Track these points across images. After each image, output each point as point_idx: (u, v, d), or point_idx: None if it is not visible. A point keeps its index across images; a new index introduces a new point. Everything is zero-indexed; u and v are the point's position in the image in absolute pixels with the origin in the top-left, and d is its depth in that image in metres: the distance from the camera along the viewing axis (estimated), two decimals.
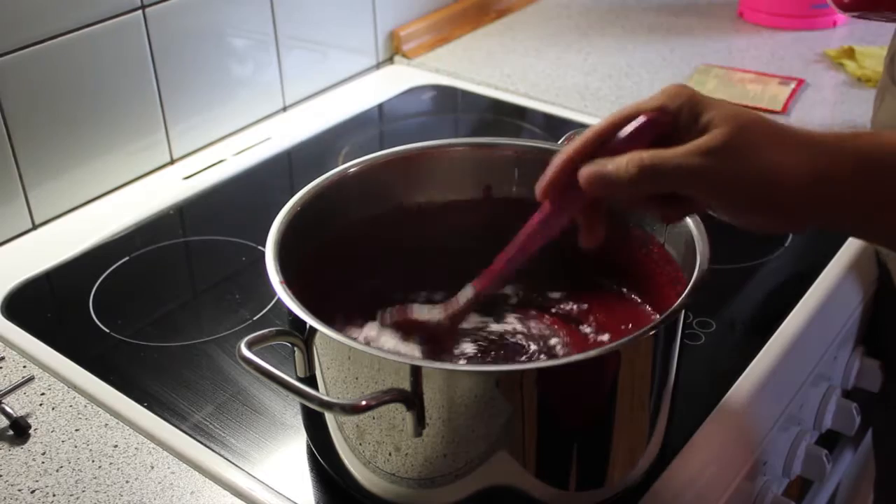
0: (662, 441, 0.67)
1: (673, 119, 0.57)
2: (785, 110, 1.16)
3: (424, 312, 0.67)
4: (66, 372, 0.78)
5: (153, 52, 1.04)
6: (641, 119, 0.57)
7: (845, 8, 0.96)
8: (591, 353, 0.58)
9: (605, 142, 0.58)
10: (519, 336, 0.71)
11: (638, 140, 0.57)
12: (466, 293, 0.65)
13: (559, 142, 0.79)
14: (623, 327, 0.71)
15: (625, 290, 0.74)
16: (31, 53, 0.93)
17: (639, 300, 0.73)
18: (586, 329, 0.72)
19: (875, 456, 1.05)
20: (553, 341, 0.71)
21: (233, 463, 0.69)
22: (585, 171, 0.57)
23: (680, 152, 0.55)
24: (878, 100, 0.95)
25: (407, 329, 0.66)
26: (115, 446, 0.71)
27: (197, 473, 0.69)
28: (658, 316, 0.70)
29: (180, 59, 1.07)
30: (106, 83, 1.00)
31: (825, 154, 0.55)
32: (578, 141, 0.59)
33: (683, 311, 0.60)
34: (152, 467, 0.69)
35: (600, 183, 0.56)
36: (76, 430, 0.73)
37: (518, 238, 0.63)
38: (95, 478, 0.69)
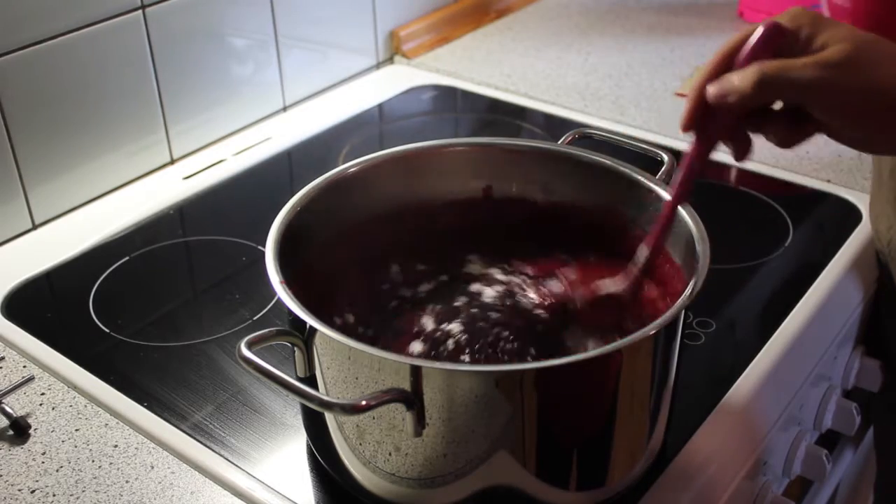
0: (662, 441, 0.67)
1: (793, 35, 0.59)
2: None
3: (610, 285, 0.68)
4: (66, 372, 0.78)
5: (153, 52, 1.04)
6: (760, 31, 0.59)
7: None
8: (591, 353, 0.58)
9: (734, 57, 0.60)
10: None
11: (760, 53, 0.59)
12: (642, 253, 0.66)
13: (559, 142, 0.79)
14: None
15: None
16: (31, 53, 0.93)
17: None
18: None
19: (876, 456, 1.05)
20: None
21: (233, 463, 0.69)
22: (711, 87, 0.60)
23: (801, 63, 0.57)
24: None
25: (596, 303, 0.68)
26: (115, 446, 0.71)
27: (197, 473, 0.69)
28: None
29: (180, 59, 1.07)
30: (106, 83, 1.00)
31: None
32: (706, 66, 0.62)
33: (683, 311, 0.60)
34: (152, 467, 0.69)
35: (725, 94, 0.59)
36: (76, 430, 0.73)
37: (677, 179, 0.65)
38: (95, 478, 0.69)
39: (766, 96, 0.59)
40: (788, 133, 0.62)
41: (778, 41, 0.59)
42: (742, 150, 0.63)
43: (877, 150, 0.61)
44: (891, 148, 0.63)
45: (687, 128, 0.63)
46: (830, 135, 0.61)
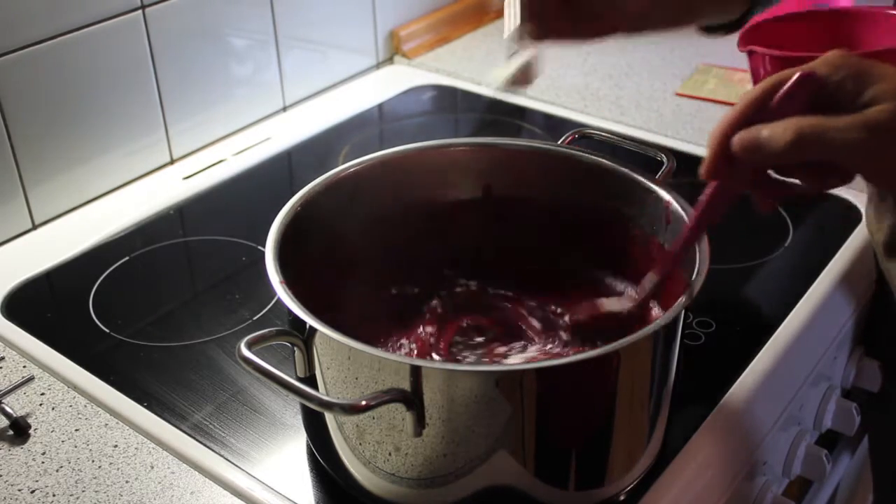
0: (662, 441, 0.67)
1: (835, 86, 0.54)
2: None
3: (614, 304, 0.67)
4: (66, 372, 0.78)
5: (153, 52, 1.04)
6: (798, 75, 0.54)
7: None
8: (591, 353, 0.58)
9: (761, 108, 0.55)
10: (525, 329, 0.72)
11: (794, 102, 0.54)
12: (650, 279, 0.65)
13: (559, 142, 0.79)
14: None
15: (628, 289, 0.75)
16: (31, 53, 0.93)
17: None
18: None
19: (871, 457, 1.05)
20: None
21: (233, 463, 0.69)
22: (739, 138, 0.55)
23: (843, 123, 0.52)
24: None
25: (598, 321, 0.67)
26: (115, 446, 0.71)
27: (197, 473, 0.69)
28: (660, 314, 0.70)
29: (180, 59, 1.07)
30: (106, 83, 1.00)
31: None
32: (734, 110, 0.56)
33: (683, 311, 0.60)
34: (152, 467, 0.69)
35: (754, 150, 0.54)
36: (76, 430, 0.73)
37: (691, 220, 0.62)
38: (95, 478, 0.69)
39: (802, 155, 0.53)
40: (821, 181, 0.58)
41: (813, 91, 0.54)
42: (767, 202, 0.59)
43: None
44: None
45: (710, 175, 0.58)
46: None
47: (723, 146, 0.56)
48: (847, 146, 0.52)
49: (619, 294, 0.74)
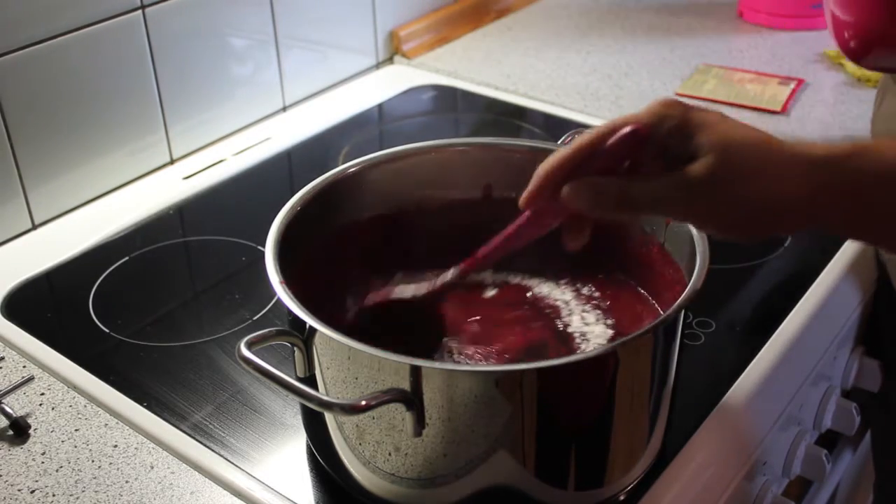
0: (662, 441, 0.67)
1: (663, 137, 0.56)
2: (784, 110, 1.16)
3: (406, 291, 0.67)
4: (65, 372, 0.78)
5: (153, 52, 1.04)
6: (624, 131, 0.56)
7: (854, 56, 0.92)
8: (591, 353, 0.58)
9: (591, 154, 0.57)
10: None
11: (622, 153, 0.56)
12: (447, 275, 0.66)
13: (559, 142, 0.79)
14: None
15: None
16: (31, 53, 0.93)
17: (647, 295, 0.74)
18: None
19: (874, 457, 1.05)
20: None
21: (233, 463, 0.69)
22: (568, 190, 0.56)
23: (662, 184, 0.55)
24: (878, 99, 0.95)
25: (389, 307, 0.67)
26: (115, 446, 0.71)
27: (197, 473, 0.69)
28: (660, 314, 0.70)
29: (180, 59, 1.07)
30: (106, 83, 1.00)
31: (820, 169, 0.54)
32: (563, 152, 0.58)
33: (683, 311, 0.60)
34: (152, 467, 0.69)
35: (583, 204, 0.56)
36: (76, 430, 0.73)
37: (499, 237, 0.63)
38: (95, 478, 0.69)
39: (626, 215, 0.57)
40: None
41: (641, 143, 0.56)
42: (576, 241, 0.61)
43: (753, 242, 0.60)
44: (766, 239, 0.60)
45: (527, 207, 0.60)
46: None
47: (548, 182, 0.58)
48: (668, 205, 0.55)
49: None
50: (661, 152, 0.56)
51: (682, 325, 0.63)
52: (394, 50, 1.35)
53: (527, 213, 0.61)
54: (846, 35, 0.91)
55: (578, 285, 0.76)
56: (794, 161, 0.54)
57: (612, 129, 0.57)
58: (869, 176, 0.54)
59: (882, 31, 0.88)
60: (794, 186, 0.54)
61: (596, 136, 0.57)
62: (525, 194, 0.59)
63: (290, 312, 0.60)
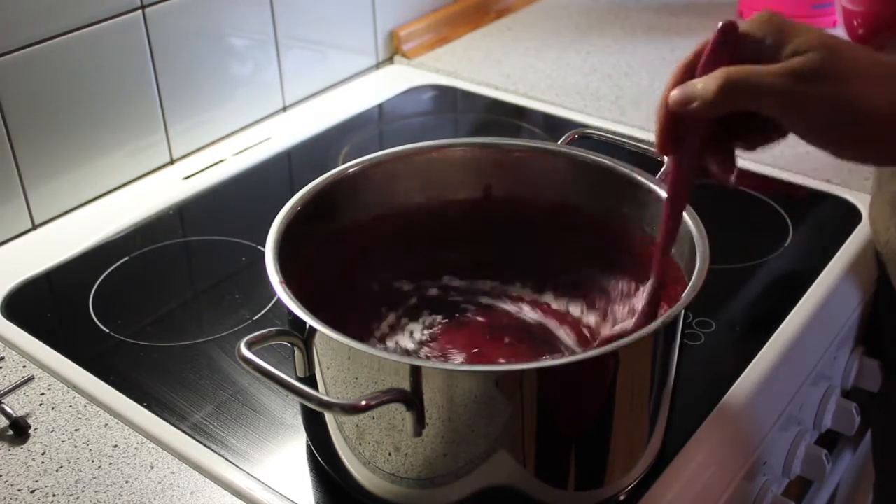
0: (662, 441, 0.67)
1: (758, 40, 0.56)
2: None
3: (619, 329, 0.67)
4: (65, 372, 0.78)
5: (153, 52, 1.04)
6: (718, 27, 0.56)
7: (861, 41, 0.94)
8: (591, 353, 0.58)
9: (693, 69, 0.58)
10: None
11: (719, 56, 0.56)
12: (650, 286, 0.65)
13: (559, 142, 0.79)
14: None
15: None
16: (31, 53, 0.93)
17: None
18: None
19: (873, 457, 1.05)
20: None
21: (233, 463, 0.69)
22: (673, 95, 0.57)
23: (768, 70, 0.54)
24: None
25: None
26: (115, 446, 0.71)
27: (197, 473, 0.69)
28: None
29: (180, 59, 1.07)
30: (106, 83, 1.00)
31: None
32: (670, 77, 0.58)
33: (683, 311, 0.60)
34: (152, 467, 0.69)
35: (688, 100, 0.56)
36: (76, 430, 0.73)
37: (666, 208, 0.63)
38: (95, 478, 0.69)
39: (731, 103, 0.56)
40: (750, 139, 0.60)
41: (735, 42, 0.57)
42: (726, 166, 0.60)
43: (846, 158, 0.59)
44: (860, 159, 0.60)
45: (662, 148, 0.60)
46: (799, 136, 0.58)
47: (666, 113, 0.58)
48: (773, 92, 0.54)
49: (614, 296, 0.74)
50: (755, 59, 0.56)
51: (682, 325, 0.63)
52: (394, 50, 1.35)
53: (669, 166, 0.61)
54: (855, 23, 0.92)
55: (578, 283, 0.76)
56: (887, 69, 0.55)
57: (706, 44, 0.57)
58: None
59: (891, 19, 0.89)
60: (883, 94, 0.54)
61: (695, 51, 0.58)
62: (656, 139, 0.60)
63: (290, 312, 0.60)
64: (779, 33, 0.56)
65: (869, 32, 0.90)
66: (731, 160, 0.61)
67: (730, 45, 0.57)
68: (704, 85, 0.56)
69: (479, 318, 0.75)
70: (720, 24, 0.57)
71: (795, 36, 0.55)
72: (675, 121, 0.58)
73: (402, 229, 0.76)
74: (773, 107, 0.55)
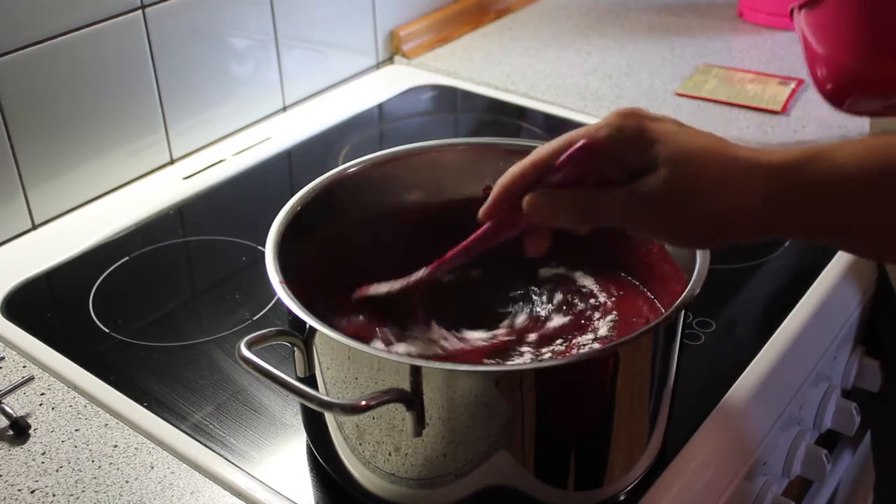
0: (662, 441, 0.67)
1: (618, 149, 0.56)
2: (784, 110, 1.16)
3: (381, 288, 0.68)
4: (66, 372, 0.78)
5: (153, 52, 1.04)
6: (576, 146, 0.57)
7: (831, 99, 0.85)
8: (591, 352, 0.58)
9: (546, 169, 0.58)
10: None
11: (575, 168, 0.57)
12: (418, 274, 0.67)
13: None
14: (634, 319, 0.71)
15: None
16: (31, 53, 0.93)
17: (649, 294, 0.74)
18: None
19: (873, 457, 1.05)
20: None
21: (233, 463, 0.69)
22: (527, 202, 0.58)
23: (616, 197, 0.55)
24: None
25: (366, 302, 0.68)
26: (115, 446, 0.71)
27: (197, 473, 0.69)
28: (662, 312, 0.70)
29: (180, 59, 1.07)
30: (106, 83, 1.00)
31: (773, 178, 0.54)
32: (520, 166, 0.59)
33: (683, 311, 0.60)
34: (152, 467, 0.69)
35: (542, 216, 0.58)
36: (76, 430, 0.73)
37: (460, 246, 0.64)
38: (95, 478, 0.69)
39: (584, 227, 0.58)
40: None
41: (596, 155, 0.56)
42: (537, 248, 0.62)
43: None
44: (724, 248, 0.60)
45: (486, 219, 0.61)
46: None
47: (506, 195, 0.59)
48: (623, 219, 0.56)
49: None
50: (618, 164, 0.56)
51: (682, 325, 0.63)
52: (394, 50, 1.35)
53: (487, 224, 0.62)
54: (820, 73, 0.84)
55: (581, 284, 0.76)
56: (748, 171, 0.54)
57: (569, 143, 0.57)
58: (819, 184, 0.53)
59: (861, 74, 0.81)
60: (748, 197, 0.54)
61: (551, 150, 0.58)
62: (484, 207, 0.61)
63: (290, 312, 0.60)
64: (636, 141, 0.55)
65: (838, 89, 0.83)
66: (546, 243, 0.62)
67: (588, 157, 0.57)
68: (558, 204, 0.57)
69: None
70: (577, 144, 0.57)
71: (650, 146, 0.55)
72: (510, 202, 0.59)
73: (402, 229, 0.76)
74: (629, 229, 0.58)
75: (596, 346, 0.68)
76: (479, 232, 0.63)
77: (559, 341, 0.69)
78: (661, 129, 0.56)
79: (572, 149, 0.57)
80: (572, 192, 0.57)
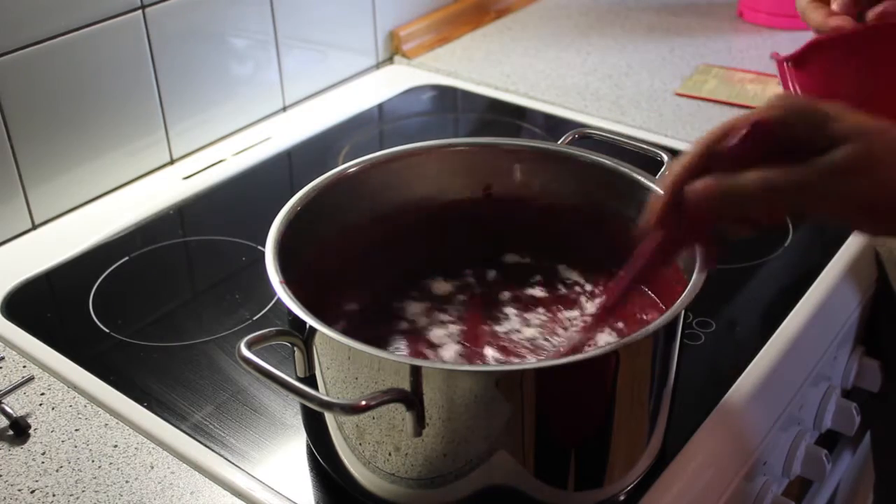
0: (662, 441, 0.67)
1: (788, 132, 0.52)
2: None
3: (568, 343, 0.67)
4: (66, 372, 0.78)
5: (153, 52, 1.04)
6: (752, 121, 0.52)
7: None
8: (591, 353, 0.58)
9: (714, 155, 0.54)
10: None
11: (746, 149, 0.52)
12: (594, 311, 0.65)
13: (559, 142, 0.79)
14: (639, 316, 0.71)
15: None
16: (31, 53, 0.93)
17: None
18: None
19: (873, 457, 1.05)
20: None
21: (233, 463, 0.69)
22: (701, 186, 0.52)
23: (805, 175, 0.51)
24: None
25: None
26: (115, 446, 0.71)
27: (197, 473, 0.69)
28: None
29: (180, 59, 1.07)
30: (106, 83, 1.00)
31: None
32: (684, 159, 0.54)
33: (683, 311, 0.60)
34: (152, 467, 0.69)
35: (722, 199, 0.52)
36: (76, 430, 0.73)
37: (631, 268, 0.60)
38: (95, 478, 0.69)
39: (772, 208, 0.53)
40: (755, 227, 0.56)
41: (765, 137, 0.52)
42: (712, 258, 0.58)
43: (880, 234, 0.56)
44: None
45: (658, 225, 0.56)
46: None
47: (675, 195, 0.54)
48: (815, 194, 0.51)
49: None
50: (792, 144, 0.52)
51: (682, 325, 0.63)
52: (394, 50, 1.35)
53: (653, 238, 0.57)
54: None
55: (581, 284, 0.76)
56: None
57: (730, 130, 0.53)
58: None
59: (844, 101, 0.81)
60: None
61: (714, 138, 0.54)
62: (653, 212, 0.56)
63: (290, 312, 0.60)
64: (808, 120, 0.52)
65: None
66: (714, 256, 0.58)
67: (757, 141, 0.53)
68: (744, 185, 0.51)
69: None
70: (751, 120, 0.52)
71: (826, 122, 0.51)
72: (681, 202, 0.54)
73: (402, 229, 0.76)
74: (818, 208, 0.52)
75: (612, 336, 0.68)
76: (645, 251, 0.58)
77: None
78: (831, 106, 0.52)
79: (744, 130, 0.52)
80: (754, 172, 0.51)
